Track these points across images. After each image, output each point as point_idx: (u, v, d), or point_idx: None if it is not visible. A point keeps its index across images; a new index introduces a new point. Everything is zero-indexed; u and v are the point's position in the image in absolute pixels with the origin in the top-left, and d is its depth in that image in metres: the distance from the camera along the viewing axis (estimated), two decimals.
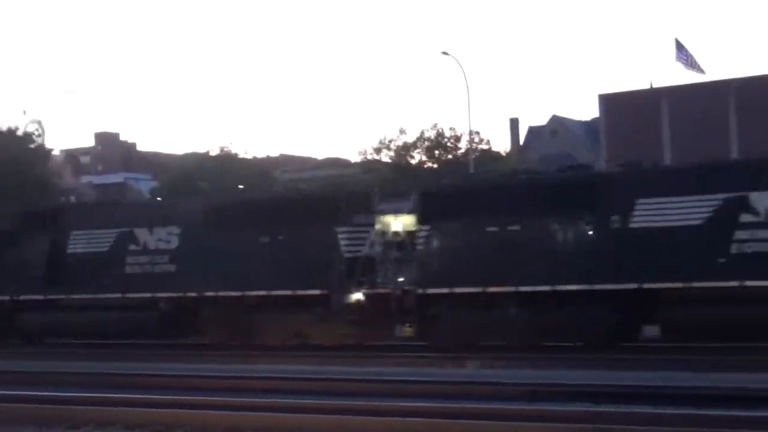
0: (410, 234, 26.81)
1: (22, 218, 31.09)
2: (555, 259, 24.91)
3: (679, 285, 23.70)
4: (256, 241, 27.57)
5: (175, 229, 28.57)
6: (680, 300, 23.72)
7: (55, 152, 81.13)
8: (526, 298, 25.03)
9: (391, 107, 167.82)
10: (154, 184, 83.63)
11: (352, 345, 26.46)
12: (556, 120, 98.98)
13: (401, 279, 26.54)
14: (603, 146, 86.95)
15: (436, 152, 74.00)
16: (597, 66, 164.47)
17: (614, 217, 24.56)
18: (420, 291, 26.02)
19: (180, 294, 28.19)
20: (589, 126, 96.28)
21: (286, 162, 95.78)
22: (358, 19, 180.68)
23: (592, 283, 24.42)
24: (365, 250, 26.93)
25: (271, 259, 27.28)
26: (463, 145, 71.01)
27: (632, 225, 24.34)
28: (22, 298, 30.10)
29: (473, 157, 61.45)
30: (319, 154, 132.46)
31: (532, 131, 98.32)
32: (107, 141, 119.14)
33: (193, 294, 27.98)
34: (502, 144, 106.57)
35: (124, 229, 29.15)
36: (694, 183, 24.26)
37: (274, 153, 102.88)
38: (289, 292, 26.94)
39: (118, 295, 28.75)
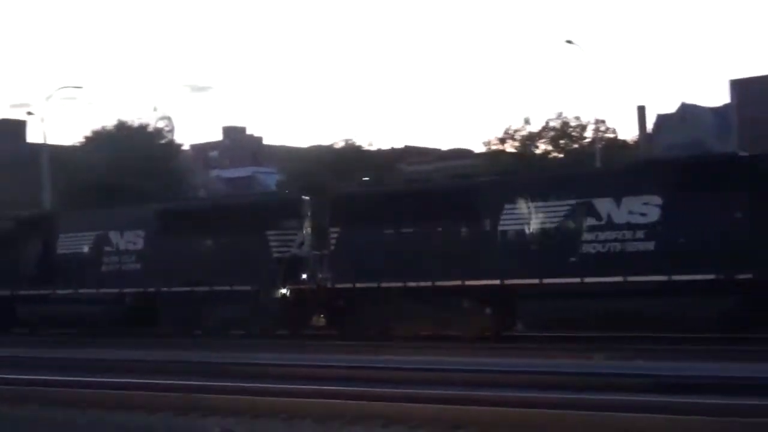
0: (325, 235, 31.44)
1: (20, 222, 37.37)
2: (438, 258, 29.15)
3: (535, 281, 27.68)
4: (202, 243, 32.88)
5: (141, 233, 34.22)
6: (536, 295, 27.67)
7: (185, 147, 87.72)
8: (415, 293, 29.40)
9: (516, 97, 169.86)
10: (280, 177, 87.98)
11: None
12: (685, 107, 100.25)
13: (320, 276, 31.24)
14: (734, 133, 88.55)
15: (561, 142, 75.06)
16: (727, 51, 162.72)
17: (486, 221, 28.72)
18: (329, 286, 30.74)
19: (142, 290, 33.73)
20: (718, 113, 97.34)
21: (410, 154, 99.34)
22: (483, 8, 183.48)
23: (465, 280, 28.63)
24: (293, 251, 31.71)
25: (214, 259, 32.53)
26: (588, 134, 72.14)
27: (500, 228, 28.43)
28: (20, 292, 36.24)
29: (599, 146, 62.43)
30: (444, 145, 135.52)
31: (661, 119, 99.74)
32: (234, 135, 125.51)
33: (153, 289, 33.46)
34: (629, 132, 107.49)
35: (100, 232, 34.97)
36: (551, 190, 28.22)
37: (399, 144, 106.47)
38: (227, 288, 32.06)
39: (95, 290, 34.51)
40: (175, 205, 36.57)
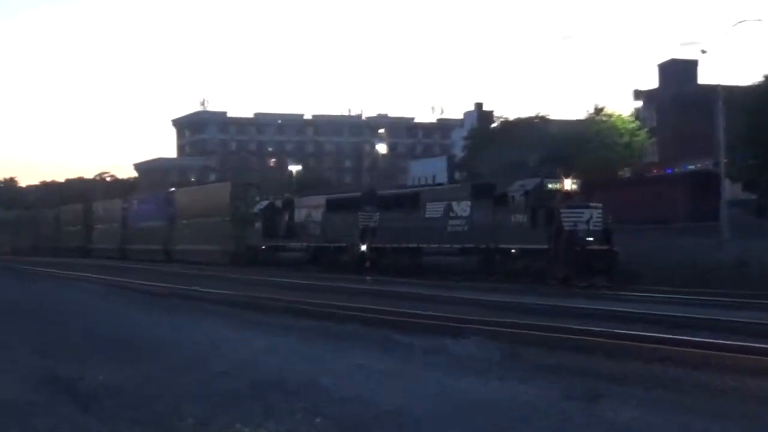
0: None
1: (283, 201, 71.10)
2: (403, 231, 57.46)
3: (425, 245, 55.45)
4: (334, 217, 63.95)
5: (320, 211, 66.10)
6: (428, 253, 55.36)
7: None
8: (396, 251, 58.11)
9: None
10: None
11: None
12: None
13: (369, 239, 60.97)
14: None
15: None
16: None
17: (421, 212, 56.61)
18: (372, 245, 60.46)
19: (315, 244, 65.56)
20: None
21: None
22: None
23: (408, 243, 56.91)
24: (371, 224, 61.40)
25: (338, 227, 63.28)
26: None
27: (426, 215, 56.27)
28: (273, 244, 69.83)
29: None
30: None
31: None
32: None
33: (317, 245, 65.28)
34: None
35: (306, 209, 67.58)
36: (439, 195, 55.76)
37: None
38: (338, 245, 62.90)
39: (298, 243, 67.01)
40: (332, 196, 67.71)
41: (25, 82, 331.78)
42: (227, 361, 19.94)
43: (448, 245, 53.55)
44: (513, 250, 48.67)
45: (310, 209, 68.13)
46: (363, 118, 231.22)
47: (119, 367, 19.26)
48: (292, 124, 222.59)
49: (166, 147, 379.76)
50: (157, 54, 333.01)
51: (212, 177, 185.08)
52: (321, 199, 68.01)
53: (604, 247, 45.66)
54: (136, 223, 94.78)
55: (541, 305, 33.71)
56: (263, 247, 71.88)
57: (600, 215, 46.75)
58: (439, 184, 62.17)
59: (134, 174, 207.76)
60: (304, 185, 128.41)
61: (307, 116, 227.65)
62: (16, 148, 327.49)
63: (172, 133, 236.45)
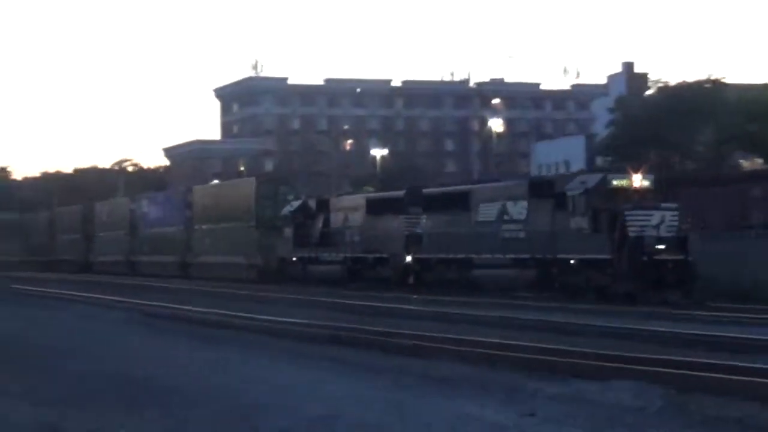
0: None
1: (316, 203, 75.64)
2: (452, 239, 61.83)
3: (475, 255, 59.81)
4: (377, 222, 68.42)
5: (359, 213, 70.62)
6: (480, 265, 59.65)
7: None
8: (444, 263, 62.57)
9: None
10: None
11: None
12: None
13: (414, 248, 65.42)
14: None
15: None
16: None
17: (472, 213, 60.93)
18: (416, 256, 64.96)
19: (352, 254, 70.17)
20: None
21: None
22: None
23: (456, 253, 61.26)
24: (416, 230, 65.78)
25: (382, 234, 67.80)
26: None
27: (478, 219, 60.63)
28: (304, 255, 74.50)
29: None
30: None
31: None
32: None
33: (353, 255, 69.90)
34: None
35: (344, 214, 72.11)
36: (493, 194, 60.07)
37: None
38: (379, 255, 67.45)
39: (342, 255, 71.46)
40: (373, 195, 72.34)
41: (24, 50, 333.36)
42: (292, 413, 19.54)
43: (500, 255, 57.91)
44: (572, 261, 52.78)
45: (347, 212, 72.81)
46: (471, 84, 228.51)
47: (146, 419, 19.15)
48: (376, 93, 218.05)
49: (207, 126, 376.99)
50: (194, 5, 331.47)
51: (269, 165, 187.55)
52: (360, 199, 72.91)
53: (678, 257, 49.52)
54: (148, 228, 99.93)
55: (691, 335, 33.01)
56: (293, 259, 76.84)
57: (674, 218, 50.72)
58: (495, 180, 66.69)
59: (165, 162, 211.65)
60: (391, 175, 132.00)
61: (396, 83, 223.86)
62: (11, 132, 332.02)
63: (215, 107, 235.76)
